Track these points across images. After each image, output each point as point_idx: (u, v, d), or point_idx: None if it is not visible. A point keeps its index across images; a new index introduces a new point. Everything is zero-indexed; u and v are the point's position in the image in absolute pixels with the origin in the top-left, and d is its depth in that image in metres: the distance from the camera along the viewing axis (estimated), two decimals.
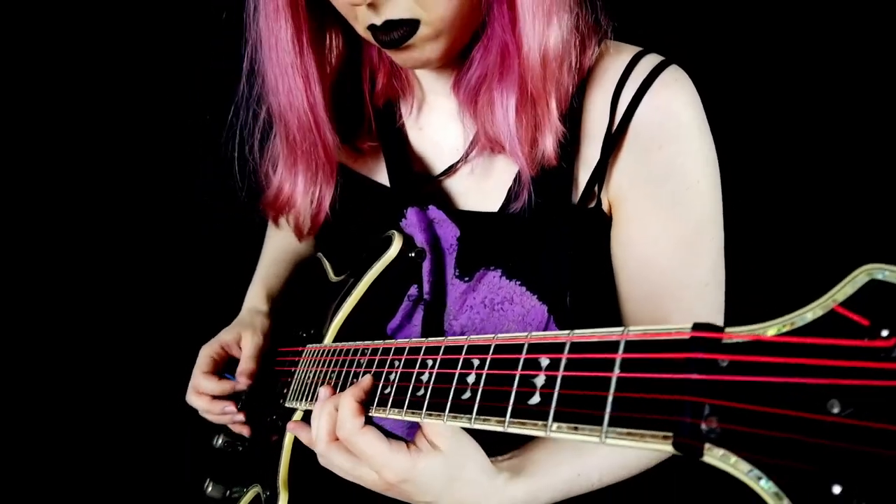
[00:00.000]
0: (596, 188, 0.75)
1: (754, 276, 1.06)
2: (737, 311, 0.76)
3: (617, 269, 0.79)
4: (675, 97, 0.72)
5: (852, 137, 1.25)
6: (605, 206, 0.77)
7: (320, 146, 0.84)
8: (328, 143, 0.84)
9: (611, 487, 0.75)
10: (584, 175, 0.76)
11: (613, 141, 0.73)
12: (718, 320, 0.76)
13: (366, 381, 0.64)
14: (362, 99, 0.91)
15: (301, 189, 0.88)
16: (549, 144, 0.71)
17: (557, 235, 0.76)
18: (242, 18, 0.80)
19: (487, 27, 0.71)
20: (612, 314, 0.82)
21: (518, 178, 0.76)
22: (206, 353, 0.96)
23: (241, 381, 0.93)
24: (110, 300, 1.68)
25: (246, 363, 0.95)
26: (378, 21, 0.67)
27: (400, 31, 0.67)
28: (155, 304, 1.69)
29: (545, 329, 0.79)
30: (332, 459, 0.66)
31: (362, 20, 0.69)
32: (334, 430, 0.65)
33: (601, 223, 0.78)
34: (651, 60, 0.74)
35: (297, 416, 0.85)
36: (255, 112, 0.87)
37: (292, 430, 0.79)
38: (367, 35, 0.71)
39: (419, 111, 0.89)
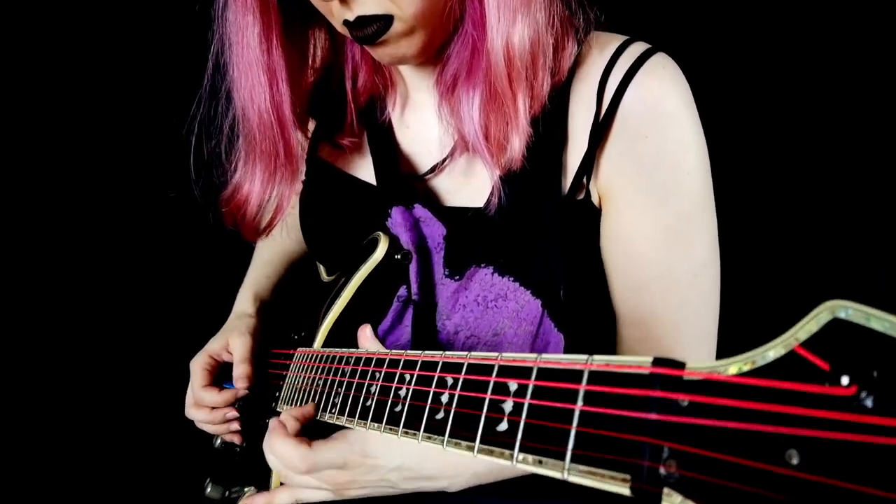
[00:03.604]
0: (585, 179, 0.74)
1: (750, 271, 1.05)
2: (733, 303, 0.75)
3: (606, 260, 0.78)
4: (660, 85, 0.70)
5: (846, 132, 1.22)
6: (594, 198, 0.75)
7: (281, 146, 0.82)
8: (290, 143, 0.83)
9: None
10: (572, 165, 0.74)
11: (600, 131, 0.72)
12: (713, 316, 0.75)
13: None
14: (345, 96, 0.89)
15: (258, 189, 0.86)
16: (516, 148, 0.70)
17: (548, 229, 0.75)
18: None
19: (463, 23, 0.70)
20: (606, 307, 0.82)
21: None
22: (198, 367, 0.95)
23: (240, 387, 0.93)
24: (110, 301, 1.68)
25: (240, 367, 0.94)
26: (351, 17, 0.66)
27: (373, 27, 0.66)
28: (155, 304, 1.70)
29: (540, 324, 0.79)
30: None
31: (337, 16, 0.68)
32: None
33: (591, 215, 0.76)
34: (637, 48, 0.72)
35: None
36: (224, 108, 0.85)
37: None
38: (344, 31, 0.69)
39: (403, 108, 0.88)
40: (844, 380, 0.25)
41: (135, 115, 1.61)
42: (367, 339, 0.73)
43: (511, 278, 0.77)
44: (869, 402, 0.24)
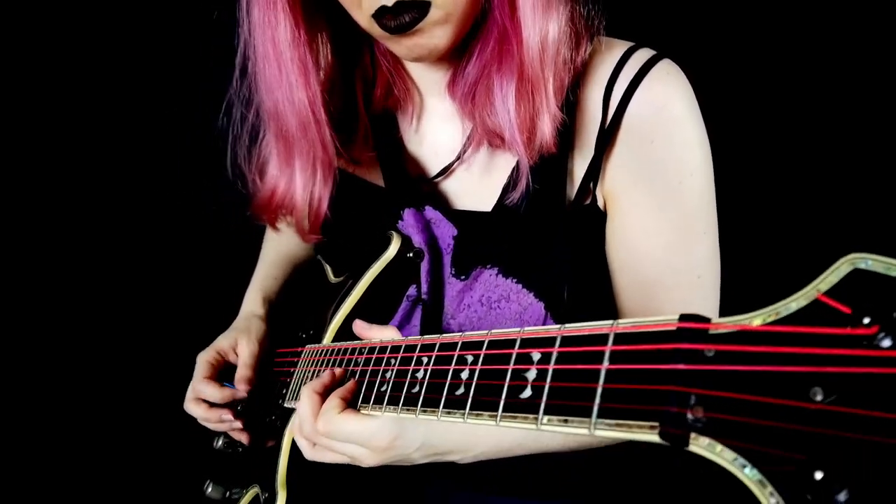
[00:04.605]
0: (591, 185, 0.76)
1: (749, 270, 1.06)
2: (731, 302, 0.76)
3: (611, 261, 0.79)
4: (666, 91, 0.72)
5: (849, 135, 1.24)
6: (600, 202, 0.77)
7: (318, 142, 0.82)
8: (327, 138, 0.83)
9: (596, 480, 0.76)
10: (579, 172, 0.76)
11: (607, 137, 0.73)
12: (713, 312, 0.77)
13: (350, 383, 0.67)
14: (355, 111, 0.89)
15: (300, 188, 0.86)
16: (547, 131, 0.71)
17: (553, 233, 0.76)
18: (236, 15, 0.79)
19: (487, 17, 0.71)
20: (609, 310, 0.83)
21: (515, 171, 0.76)
22: (204, 359, 0.96)
23: (241, 389, 0.94)
24: (111, 302, 1.68)
25: (243, 371, 0.95)
26: (389, 2, 0.66)
27: (411, 14, 0.66)
28: (155, 305, 1.70)
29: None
30: (323, 456, 0.69)
31: (369, 4, 0.67)
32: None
33: (597, 219, 0.78)
34: (643, 55, 0.74)
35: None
36: (243, 115, 0.85)
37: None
38: (370, 24, 0.69)
39: (415, 116, 0.89)
40: (866, 320, 0.26)
41: (151, 118, 1.63)
42: (364, 329, 0.73)
43: (514, 280, 0.78)
44: (887, 343, 0.26)
